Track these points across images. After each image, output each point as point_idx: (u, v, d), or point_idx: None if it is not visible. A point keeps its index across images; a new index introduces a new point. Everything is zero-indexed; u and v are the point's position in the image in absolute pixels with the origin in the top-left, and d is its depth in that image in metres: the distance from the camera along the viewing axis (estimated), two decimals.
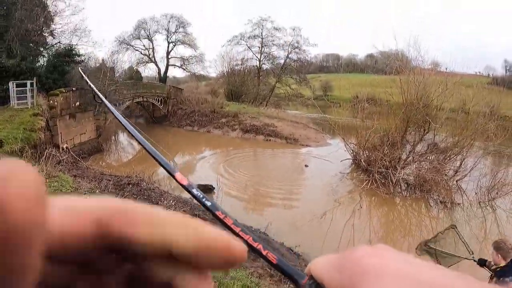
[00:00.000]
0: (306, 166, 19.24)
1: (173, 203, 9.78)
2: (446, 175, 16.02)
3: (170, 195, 11.40)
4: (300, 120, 31.20)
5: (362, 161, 16.97)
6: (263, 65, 46.47)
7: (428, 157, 16.59)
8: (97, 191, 8.89)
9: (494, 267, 4.50)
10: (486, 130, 15.88)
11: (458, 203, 14.36)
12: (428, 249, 6.09)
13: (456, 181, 16.09)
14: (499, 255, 4.29)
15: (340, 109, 21.58)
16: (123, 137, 25.86)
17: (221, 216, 0.52)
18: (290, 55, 45.69)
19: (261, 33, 45.97)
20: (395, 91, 17.55)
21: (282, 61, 46.04)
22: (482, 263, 4.97)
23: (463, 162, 16.45)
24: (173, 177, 0.61)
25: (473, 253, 5.49)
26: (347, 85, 24.45)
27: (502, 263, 4.25)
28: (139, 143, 0.73)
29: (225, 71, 45.05)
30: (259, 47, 46.14)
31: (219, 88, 45.62)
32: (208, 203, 0.55)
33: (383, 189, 14.74)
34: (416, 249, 6.24)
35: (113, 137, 25.20)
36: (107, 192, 9.00)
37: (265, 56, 46.18)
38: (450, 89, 16.62)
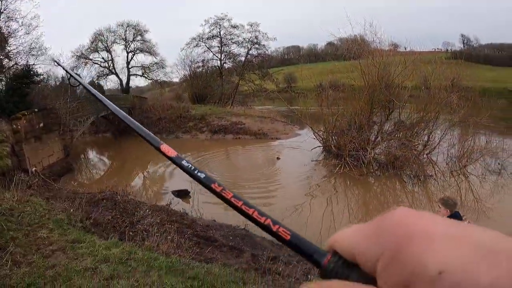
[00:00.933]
0: (278, 159, 19.25)
1: (149, 212, 9.66)
2: (415, 150, 16.42)
3: (146, 204, 11.24)
4: (267, 115, 31.38)
5: (332, 146, 17.15)
6: (224, 64, 46.25)
7: (396, 135, 16.94)
8: (71, 210, 8.70)
9: None
10: (449, 103, 16.29)
11: (430, 175, 14.85)
12: None
13: (427, 155, 16.56)
14: (447, 210, 5.03)
15: (305, 99, 21.74)
16: (92, 154, 25.32)
17: (218, 189, 0.50)
18: (250, 52, 45.47)
19: (219, 32, 45.51)
20: (357, 75, 17.85)
21: (243, 58, 45.78)
22: None
23: (431, 136, 16.92)
24: (158, 150, 0.60)
25: None
26: (310, 75, 24.62)
27: (445, 216, 4.89)
28: (121, 119, 0.70)
29: (187, 74, 44.88)
30: (218, 47, 45.71)
31: (183, 92, 45.28)
32: (202, 175, 0.53)
33: (356, 171, 15.01)
34: None
35: (82, 155, 24.60)
36: (81, 210, 8.82)
37: (225, 55, 45.86)
38: (409, 67, 16.97)
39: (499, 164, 15.28)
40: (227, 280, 5.47)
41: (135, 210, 10.16)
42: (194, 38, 45.71)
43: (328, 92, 18.42)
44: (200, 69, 44.86)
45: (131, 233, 7.72)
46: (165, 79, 48.76)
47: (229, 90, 43.60)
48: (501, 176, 14.26)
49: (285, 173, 16.46)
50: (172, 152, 0.57)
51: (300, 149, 19.90)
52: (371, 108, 16.79)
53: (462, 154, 15.78)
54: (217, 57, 45.78)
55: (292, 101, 25.53)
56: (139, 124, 0.67)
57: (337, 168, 15.37)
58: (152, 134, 0.65)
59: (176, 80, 50.05)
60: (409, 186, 14.26)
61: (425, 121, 16.61)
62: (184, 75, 45.96)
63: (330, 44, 78.48)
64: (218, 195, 0.50)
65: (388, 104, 16.84)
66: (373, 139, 16.66)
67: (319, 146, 18.49)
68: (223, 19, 45.23)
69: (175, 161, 0.56)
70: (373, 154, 15.59)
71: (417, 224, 0.31)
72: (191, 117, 30.84)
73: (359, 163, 15.35)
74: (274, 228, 0.44)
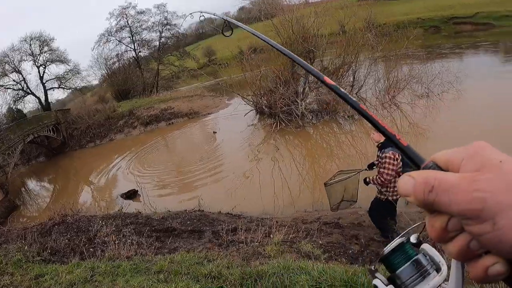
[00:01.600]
0: (214, 132, 19.19)
1: (103, 223, 9.34)
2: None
3: (98, 216, 10.86)
4: (194, 93, 31.02)
5: (263, 107, 17.28)
6: (140, 53, 44.69)
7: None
8: (26, 247, 8.24)
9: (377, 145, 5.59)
10: (367, 41, 16.75)
11: None
12: (331, 183, 6.61)
13: (356, 93, 17.06)
14: (374, 134, 5.42)
15: (228, 68, 21.62)
16: (33, 184, 23.89)
17: (364, 108, 0.70)
18: (163, 34, 44.34)
19: (127, 22, 43.47)
20: (273, 35, 17.80)
21: (157, 43, 44.53)
22: (370, 165, 6.04)
23: (356, 75, 17.44)
24: (323, 82, 0.77)
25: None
26: (228, 44, 24.34)
27: (382, 139, 5.36)
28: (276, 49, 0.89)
29: (104, 73, 43.18)
30: (130, 37, 43.86)
31: (105, 93, 43.46)
32: (354, 99, 0.71)
33: (292, 125, 15.35)
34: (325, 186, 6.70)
35: (23, 188, 23.10)
36: (36, 243, 8.38)
37: (138, 44, 44.24)
38: (322, 16, 17.34)
39: (425, 87, 16.07)
40: (191, 263, 5.46)
41: (88, 225, 9.77)
42: (103, 34, 43.57)
43: (248, 56, 18.39)
44: (116, 64, 43.21)
45: (91, 249, 7.43)
46: (83, 84, 45.71)
47: (151, 78, 42.52)
48: (430, 98, 15.00)
49: (226, 145, 16.48)
50: (330, 82, 0.75)
51: (234, 117, 19.91)
52: (292, 62, 16.92)
53: (389, 86, 16.52)
54: (130, 48, 44.06)
55: (216, 74, 25.26)
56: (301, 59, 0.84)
57: (274, 127, 15.54)
58: (316, 69, 0.82)
59: (96, 82, 47.82)
60: (346, 126, 14.73)
61: (347, 63, 17.05)
62: (102, 75, 44.18)
63: (242, 9, 78.67)
64: (363, 114, 0.69)
65: (308, 54, 17.07)
66: (301, 91, 16.91)
67: (251, 110, 18.54)
68: (127, 7, 43.22)
69: (335, 91, 0.73)
70: (304, 105, 15.84)
71: (487, 145, 0.49)
72: (119, 116, 29.91)
73: (293, 117, 15.59)
74: (398, 137, 0.62)
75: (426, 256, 0.67)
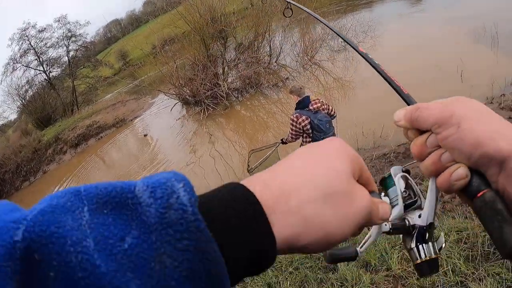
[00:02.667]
0: (145, 135, 18.31)
1: None
2: (264, 63, 16.70)
3: None
4: (116, 100, 29.53)
5: (188, 97, 16.72)
6: (51, 73, 41.29)
7: (240, 58, 16.93)
8: None
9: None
10: (276, 9, 16.57)
11: (286, 78, 15.34)
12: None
13: (276, 62, 16.91)
14: (295, 96, 5.55)
15: (144, 67, 20.80)
16: None
17: (387, 73, 0.89)
18: (70, 47, 41.70)
19: (30, 44, 39.73)
20: (183, 23, 17.27)
21: (66, 58, 41.54)
22: (283, 141, 6.18)
23: (271, 44, 17.25)
24: (356, 50, 0.98)
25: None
26: (141, 41, 23.38)
27: (296, 101, 5.54)
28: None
29: (20, 105, 40.01)
30: (36, 59, 40.28)
31: (27, 124, 40.43)
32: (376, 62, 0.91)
33: (220, 108, 14.94)
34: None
35: None
36: None
37: (47, 64, 40.81)
38: None
39: (341, 42, 16.04)
40: None
41: None
42: (8, 63, 39.32)
43: (160, 50, 17.74)
44: (29, 91, 40.02)
45: None
46: (1, 122, 42.72)
47: (69, 97, 39.83)
48: (347, 51, 15.11)
49: (162, 144, 15.76)
50: (362, 50, 0.90)
51: (161, 114, 19.20)
52: (205, 45, 16.53)
53: (306, 47, 16.45)
54: (39, 70, 40.53)
55: (135, 74, 24.25)
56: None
57: (202, 114, 15.04)
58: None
59: (14, 116, 44.51)
60: (273, 96, 14.56)
61: (261, 34, 16.79)
62: (17, 106, 40.90)
63: (147, 3, 76.09)
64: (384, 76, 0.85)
65: (220, 34, 16.68)
66: (221, 71, 16.52)
67: (177, 103, 17.89)
68: (27, 28, 39.63)
69: (363, 56, 0.92)
70: (226, 85, 15.47)
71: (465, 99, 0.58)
72: (46, 145, 27.68)
73: (219, 99, 15.19)
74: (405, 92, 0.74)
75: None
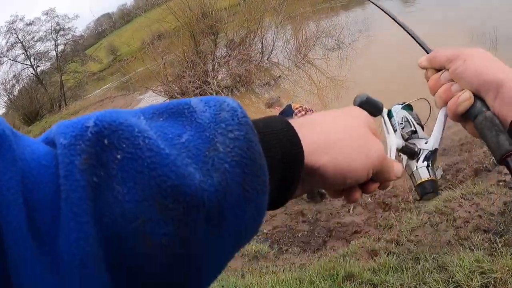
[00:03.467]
0: None
1: None
2: (255, 60, 16.31)
3: None
4: (104, 96, 29.10)
5: (176, 94, 16.26)
6: (38, 68, 40.11)
7: (231, 55, 16.52)
8: None
9: None
10: (269, 5, 16.25)
11: (278, 76, 14.99)
12: None
13: (268, 59, 16.52)
14: (276, 107, 5.41)
15: (132, 63, 20.33)
16: None
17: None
18: (58, 41, 40.69)
19: (18, 37, 38.28)
20: (173, 18, 16.87)
21: (54, 53, 40.24)
22: None
23: (263, 41, 16.79)
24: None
25: None
26: (131, 36, 22.90)
27: (277, 113, 5.34)
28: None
29: (6, 100, 38.88)
30: (24, 53, 39.05)
31: (14, 120, 39.33)
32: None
33: None
34: None
35: None
36: None
37: (35, 58, 39.59)
38: None
39: (335, 40, 15.83)
40: None
41: None
42: None
43: (149, 46, 17.30)
44: (16, 86, 38.98)
45: None
46: None
47: (56, 92, 38.77)
48: (341, 49, 14.78)
49: None
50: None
51: None
52: (195, 41, 16.11)
53: (299, 45, 16.08)
54: (27, 64, 39.29)
55: (125, 70, 23.86)
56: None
57: None
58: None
59: (1, 111, 42.88)
60: (264, 94, 14.17)
61: (252, 30, 16.41)
62: (4, 102, 39.60)
63: None
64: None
65: (211, 30, 16.27)
66: (211, 69, 16.09)
67: (165, 100, 17.41)
68: (15, 21, 38.25)
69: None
70: (216, 83, 15.08)
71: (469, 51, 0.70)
72: None
73: (208, 94, 14.74)
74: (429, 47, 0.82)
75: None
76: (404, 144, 0.71)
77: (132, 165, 0.31)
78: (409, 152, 0.72)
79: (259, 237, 5.44)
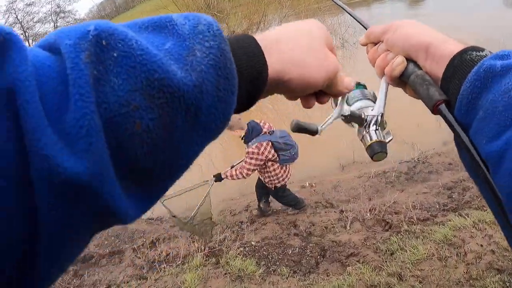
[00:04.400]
0: None
1: None
2: None
3: None
4: None
5: None
6: None
7: None
8: None
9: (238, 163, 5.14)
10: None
11: None
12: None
13: None
14: (237, 130, 4.75)
15: None
16: None
17: None
18: (58, 24, 40.10)
19: (17, 17, 38.53)
20: (175, 8, 16.45)
21: None
22: (219, 178, 5.26)
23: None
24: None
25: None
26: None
27: (242, 133, 4.71)
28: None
29: None
30: (22, 34, 38.11)
31: None
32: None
33: None
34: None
35: None
36: None
37: (33, 40, 38.99)
38: None
39: (340, 38, 15.35)
40: None
41: None
42: None
43: None
44: None
45: None
46: None
47: None
48: (346, 49, 14.34)
49: None
50: None
51: None
52: None
53: None
54: None
55: None
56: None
57: None
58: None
59: None
60: None
61: (255, 23, 16.00)
62: None
63: None
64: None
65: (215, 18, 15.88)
66: None
67: None
68: (15, 1, 37.95)
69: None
70: None
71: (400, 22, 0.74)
72: None
73: None
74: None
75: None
76: (350, 112, 0.78)
77: (126, 62, 0.37)
78: (357, 119, 0.78)
79: (246, 248, 4.98)
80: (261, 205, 5.95)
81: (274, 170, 4.98)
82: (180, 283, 4.30)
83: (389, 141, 0.79)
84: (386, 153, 0.77)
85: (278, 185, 5.18)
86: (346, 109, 0.80)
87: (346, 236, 4.90)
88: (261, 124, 4.81)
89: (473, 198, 5.42)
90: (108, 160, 0.35)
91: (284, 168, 5.08)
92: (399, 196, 5.77)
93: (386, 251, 4.30)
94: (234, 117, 4.65)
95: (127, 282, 5.23)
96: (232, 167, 5.25)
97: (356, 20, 0.91)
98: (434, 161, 6.71)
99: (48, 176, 0.31)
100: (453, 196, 5.66)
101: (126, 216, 0.39)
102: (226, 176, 5.08)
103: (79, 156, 0.33)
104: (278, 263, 4.51)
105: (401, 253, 4.06)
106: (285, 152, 4.82)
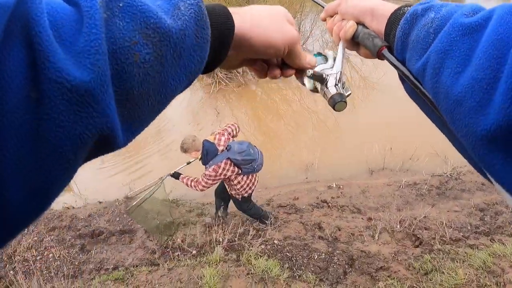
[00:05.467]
0: None
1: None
2: None
3: None
4: None
5: None
6: None
7: None
8: None
9: (194, 160, 4.88)
10: None
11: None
12: (134, 206, 5.54)
13: (303, 45, 15.53)
14: (193, 152, 4.49)
15: None
16: None
17: None
18: None
19: None
20: None
21: None
22: (176, 176, 5.07)
23: (301, 27, 15.85)
24: None
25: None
26: None
27: (199, 155, 4.47)
28: None
29: None
30: None
31: None
32: None
33: (233, 84, 13.44)
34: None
35: None
36: None
37: None
38: None
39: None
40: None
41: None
42: None
43: None
44: None
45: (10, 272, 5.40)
46: None
47: None
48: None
49: (168, 118, 13.77)
50: None
51: None
52: None
53: None
54: None
55: None
56: None
57: (212, 88, 13.59)
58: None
59: None
60: (293, 82, 13.28)
61: (292, 14, 15.52)
62: None
63: None
64: None
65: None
66: None
67: None
68: None
69: None
70: None
71: None
72: None
73: (234, 75, 13.79)
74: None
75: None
76: (313, 71, 0.85)
77: (129, 10, 0.45)
78: (319, 77, 0.87)
79: (268, 247, 4.79)
80: (219, 214, 5.76)
81: (239, 182, 4.77)
82: (198, 278, 4.07)
83: (348, 95, 0.87)
84: (346, 103, 0.85)
85: (246, 194, 4.96)
86: (309, 72, 0.86)
87: (375, 247, 4.69)
88: (216, 141, 4.49)
89: (505, 224, 5.20)
90: (109, 79, 0.42)
91: (250, 177, 4.82)
92: (430, 211, 5.54)
93: (419, 269, 4.09)
94: (188, 139, 4.38)
95: (136, 266, 5.05)
96: (188, 163, 5.11)
97: (315, 1, 1.04)
98: (467, 179, 6.45)
99: (60, 84, 0.37)
100: (485, 219, 5.42)
101: (118, 136, 0.45)
102: (183, 181, 4.89)
103: (86, 69, 0.39)
104: (303, 268, 4.29)
105: (438, 275, 3.84)
106: (248, 166, 4.58)
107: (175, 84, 0.53)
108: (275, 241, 4.93)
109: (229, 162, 4.42)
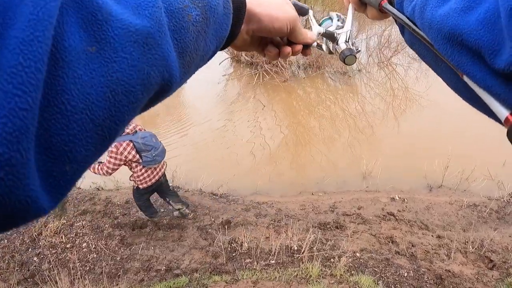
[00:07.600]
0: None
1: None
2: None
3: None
4: None
5: (243, 55, 15.05)
6: None
7: None
8: None
9: None
10: None
11: (359, 69, 13.78)
12: None
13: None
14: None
15: None
16: None
17: None
18: None
19: None
20: None
21: None
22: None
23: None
24: None
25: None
26: None
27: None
28: None
29: None
30: None
31: None
32: None
33: (278, 78, 13.39)
34: None
35: None
36: None
37: None
38: None
39: None
40: None
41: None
42: None
43: None
44: None
45: (34, 259, 5.03)
46: None
47: None
48: (421, 62, 13.74)
49: (195, 98, 13.33)
50: None
51: (206, 66, 17.42)
52: None
53: (381, 45, 14.93)
54: None
55: None
56: None
57: (255, 79, 13.58)
58: None
59: None
60: (332, 84, 13.35)
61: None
62: None
63: None
64: None
65: None
66: None
67: (226, 58, 15.95)
68: None
69: None
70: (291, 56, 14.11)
71: None
72: None
73: (279, 68, 13.69)
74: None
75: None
76: (324, 30, 0.95)
77: None
78: (330, 35, 0.95)
79: (349, 259, 4.88)
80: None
81: (137, 172, 5.00)
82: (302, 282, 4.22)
83: (358, 51, 0.94)
84: (356, 57, 0.92)
85: (141, 186, 5.17)
86: (321, 30, 0.96)
87: (456, 267, 4.93)
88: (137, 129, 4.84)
89: None
90: (167, 29, 0.48)
91: (148, 171, 5.03)
92: (494, 235, 5.79)
93: None
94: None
95: (197, 271, 4.75)
96: (100, 163, 5.03)
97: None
98: None
99: (126, 29, 0.42)
100: None
101: (175, 78, 0.51)
102: (90, 169, 4.76)
103: (145, 17, 0.45)
104: (398, 285, 4.52)
105: None
106: (147, 154, 4.81)
107: (212, 47, 0.62)
108: (357, 254, 5.11)
109: (131, 144, 4.69)
